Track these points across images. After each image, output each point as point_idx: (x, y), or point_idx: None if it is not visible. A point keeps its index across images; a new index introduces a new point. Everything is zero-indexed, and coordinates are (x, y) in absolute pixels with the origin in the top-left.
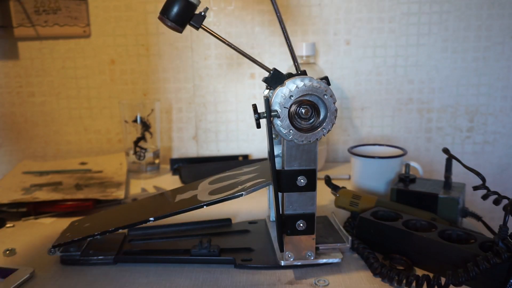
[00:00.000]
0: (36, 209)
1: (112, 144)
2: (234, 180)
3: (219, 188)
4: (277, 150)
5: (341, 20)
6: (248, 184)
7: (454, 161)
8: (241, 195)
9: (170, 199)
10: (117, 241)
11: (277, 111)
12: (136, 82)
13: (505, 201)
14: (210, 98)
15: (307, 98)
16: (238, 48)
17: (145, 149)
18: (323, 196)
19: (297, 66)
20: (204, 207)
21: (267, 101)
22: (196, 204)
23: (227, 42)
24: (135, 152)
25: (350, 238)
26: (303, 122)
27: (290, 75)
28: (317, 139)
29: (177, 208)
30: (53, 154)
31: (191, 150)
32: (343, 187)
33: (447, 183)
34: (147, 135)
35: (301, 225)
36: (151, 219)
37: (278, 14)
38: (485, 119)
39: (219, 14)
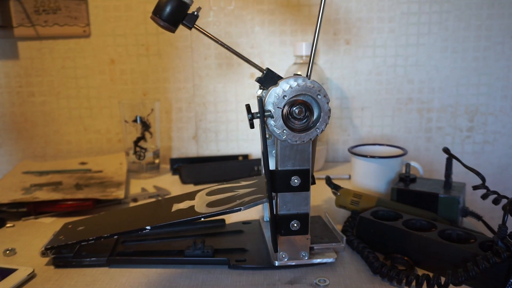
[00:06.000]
0: (36, 209)
1: (112, 144)
2: (232, 193)
3: (217, 200)
4: (271, 151)
5: (341, 20)
6: (246, 199)
7: (454, 161)
8: (240, 209)
9: (167, 207)
10: (110, 243)
11: (270, 111)
12: (136, 82)
13: (504, 201)
14: (210, 98)
15: (300, 98)
16: (231, 48)
17: (145, 149)
18: (318, 197)
19: (309, 74)
20: (202, 219)
21: (261, 101)
22: (193, 215)
23: (220, 42)
24: (135, 152)
25: (344, 237)
26: (296, 122)
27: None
28: (310, 139)
29: (174, 218)
30: (53, 154)
31: (191, 150)
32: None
33: (447, 183)
34: (147, 135)
35: (295, 225)
36: (148, 228)
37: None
38: (485, 119)
39: (219, 13)
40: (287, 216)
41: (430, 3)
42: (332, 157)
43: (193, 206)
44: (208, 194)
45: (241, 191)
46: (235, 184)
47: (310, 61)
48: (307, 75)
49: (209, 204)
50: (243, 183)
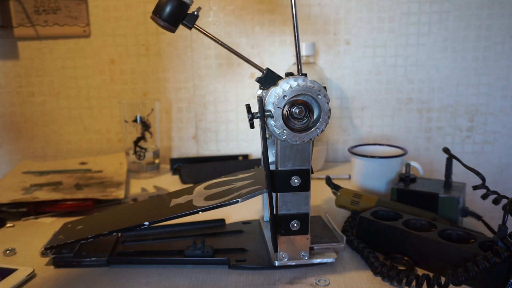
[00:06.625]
0: (36, 209)
1: (112, 144)
2: (230, 186)
3: (215, 193)
4: (271, 151)
5: (341, 20)
6: (243, 191)
7: (454, 161)
8: (237, 201)
9: (165, 203)
10: (110, 242)
11: (270, 111)
12: (136, 82)
13: (504, 201)
14: (210, 98)
15: (300, 98)
16: (231, 48)
17: (145, 149)
18: (318, 197)
19: (299, 69)
20: (200, 212)
21: (261, 101)
22: (191, 209)
23: (220, 42)
24: (135, 152)
25: (344, 237)
26: (296, 122)
27: (290, 75)
28: (310, 139)
29: (172, 213)
30: (53, 154)
31: (191, 150)
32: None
33: (448, 183)
34: (147, 135)
35: (295, 225)
36: (146, 223)
37: (295, 17)
38: (485, 119)
39: (219, 13)
40: (287, 216)
41: (430, 3)
42: (332, 157)
43: (191, 200)
44: (206, 188)
45: (239, 184)
46: (233, 177)
47: (298, 59)
48: (298, 73)
49: (207, 198)
50: (241, 175)
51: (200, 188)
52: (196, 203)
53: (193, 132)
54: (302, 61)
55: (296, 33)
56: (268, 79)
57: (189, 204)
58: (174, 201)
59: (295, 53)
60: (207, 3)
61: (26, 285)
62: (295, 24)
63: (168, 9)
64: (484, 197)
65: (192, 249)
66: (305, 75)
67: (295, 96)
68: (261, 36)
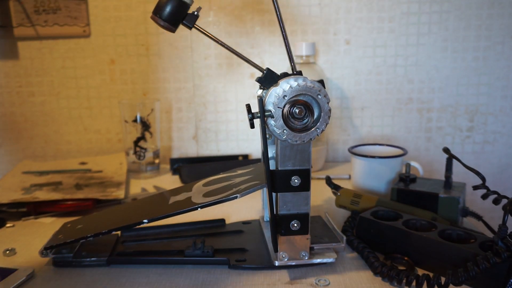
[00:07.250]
0: (36, 209)
1: (112, 144)
2: (229, 182)
3: (214, 190)
4: (271, 151)
5: (341, 19)
6: (242, 187)
7: (454, 161)
8: (236, 197)
9: (164, 200)
10: (110, 243)
11: (271, 111)
12: (136, 82)
13: (504, 201)
14: (210, 97)
15: (300, 98)
16: (231, 48)
17: (145, 149)
18: (318, 197)
19: (293, 67)
20: (198, 209)
21: (261, 101)
22: (190, 206)
23: (220, 42)
24: (135, 152)
25: (344, 237)
26: (296, 122)
27: (285, 75)
28: (311, 139)
29: (171, 210)
30: (53, 154)
31: (191, 150)
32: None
33: (448, 183)
34: (147, 135)
35: (295, 225)
36: (145, 221)
37: (278, 14)
38: (485, 119)
39: (219, 13)
40: (287, 216)
41: (430, 3)
42: (332, 157)
43: (190, 197)
44: (205, 185)
45: (238, 180)
46: (232, 173)
47: (289, 57)
48: (293, 71)
49: (206, 194)
50: (240, 171)
51: (199, 185)
52: (195, 200)
53: (193, 132)
54: (302, 61)
55: (283, 31)
56: (268, 79)
57: (188, 201)
58: (173, 199)
59: (286, 52)
60: (207, 3)
61: (26, 285)
62: (280, 21)
63: (168, 9)
64: (484, 197)
65: (192, 249)
66: (300, 73)
67: (295, 96)
68: (261, 36)
